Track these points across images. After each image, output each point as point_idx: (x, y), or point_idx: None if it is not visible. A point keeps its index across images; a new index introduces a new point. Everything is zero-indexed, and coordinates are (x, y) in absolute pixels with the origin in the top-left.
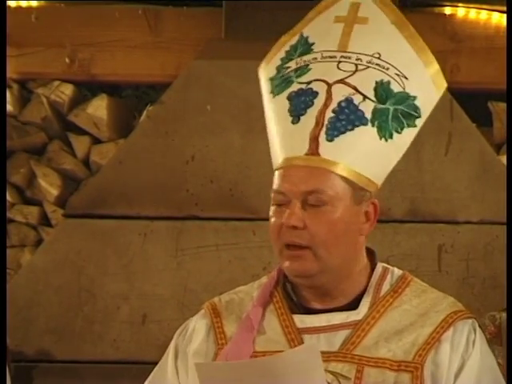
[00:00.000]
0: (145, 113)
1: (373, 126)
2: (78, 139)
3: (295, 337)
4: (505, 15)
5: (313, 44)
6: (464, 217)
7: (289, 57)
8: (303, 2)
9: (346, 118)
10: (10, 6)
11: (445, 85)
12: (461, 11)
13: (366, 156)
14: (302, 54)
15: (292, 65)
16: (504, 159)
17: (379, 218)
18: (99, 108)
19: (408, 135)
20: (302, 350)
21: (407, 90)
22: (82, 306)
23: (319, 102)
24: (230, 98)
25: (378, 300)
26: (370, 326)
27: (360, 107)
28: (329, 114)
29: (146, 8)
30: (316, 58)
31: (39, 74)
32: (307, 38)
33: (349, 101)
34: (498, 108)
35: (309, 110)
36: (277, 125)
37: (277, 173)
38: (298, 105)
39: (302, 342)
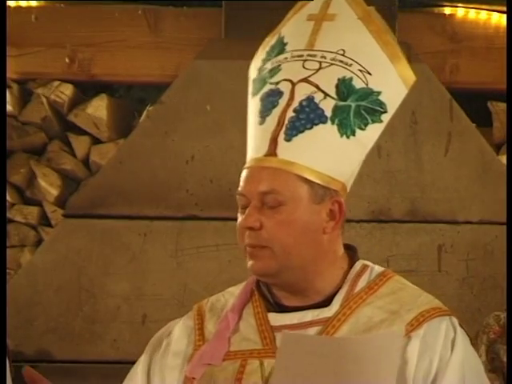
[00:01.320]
0: (145, 113)
1: (333, 123)
2: (77, 139)
3: (268, 335)
4: (504, 15)
5: (286, 44)
6: (464, 217)
7: (268, 57)
8: None
9: (306, 117)
10: (9, 6)
11: (413, 78)
12: (460, 11)
13: (326, 154)
14: (277, 55)
15: (268, 65)
16: (504, 159)
17: (379, 218)
18: (99, 108)
19: (373, 131)
20: (387, 335)
21: (370, 86)
22: (81, 306)
23: (283, 101)
24: (230, 98)
25: (351, 297)
26: (340, 322)
27: (320, 105)
28: (290, 114)
29: (146, 8)
30: (286, 58)
31: (39, 74)
32: (283, 38)
33: (310, 99)
34: (498, 108)
35: (274, 111)
36: (249, 126)
37: (242, 176)
38: (266, 105)
39: (274, 340)
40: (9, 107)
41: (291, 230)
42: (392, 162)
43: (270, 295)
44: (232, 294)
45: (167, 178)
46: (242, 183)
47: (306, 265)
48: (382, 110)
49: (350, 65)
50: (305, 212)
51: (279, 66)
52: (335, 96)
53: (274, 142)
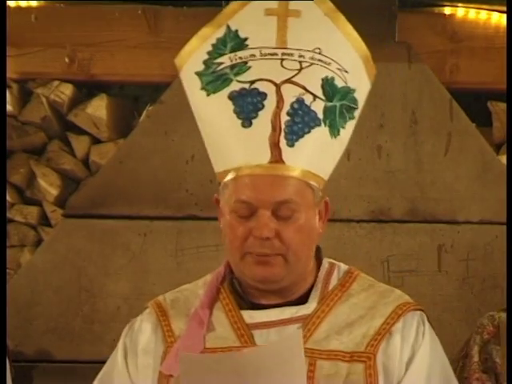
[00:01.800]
0: (145, 113)
1: (325, 125)
2: (77, 139)
3: (245, 332)
4: (504, 15)
5: (246, 39)
6: (464, 217)
7: (218, 51)
8: None
9: (302, 121)
10: (9, 6)
11: (374, 72)
12: (460, 11)
13: (321, 156)
14: (234, 50)
15: (225, 61)
16: (504, 159)
17: (379, 217)
18: (99, 108)
19: (350, 128)
20: (285, 340)
21: (349, 84)
22: (81, 306)
23: (270, 104)
24: None
25: (327, 294)
26: (319, 319)
27: (312, 107)
28: (284, 118)
29: (146, 8)
30: (254, 55)
31: (39, 73)
32: (237, 31)
33: (300, 101)
34: (498, 108)
35: (261, 113)
36: (220, 126)
37: (237, 181)
38: (245, 106)
39: (253, 338)
40: (9, 107)
41: (303, 237)
42: (392, 162)
43: (243, 293)
44: (192, 292)
45: (167, 177)
46: (244, 190)
47: (304, 268)
48: (355, 106)
49: (329, 64)
50: (311, 217)
51: (246, 63)
52: (323, 97)
53: (276, 147)
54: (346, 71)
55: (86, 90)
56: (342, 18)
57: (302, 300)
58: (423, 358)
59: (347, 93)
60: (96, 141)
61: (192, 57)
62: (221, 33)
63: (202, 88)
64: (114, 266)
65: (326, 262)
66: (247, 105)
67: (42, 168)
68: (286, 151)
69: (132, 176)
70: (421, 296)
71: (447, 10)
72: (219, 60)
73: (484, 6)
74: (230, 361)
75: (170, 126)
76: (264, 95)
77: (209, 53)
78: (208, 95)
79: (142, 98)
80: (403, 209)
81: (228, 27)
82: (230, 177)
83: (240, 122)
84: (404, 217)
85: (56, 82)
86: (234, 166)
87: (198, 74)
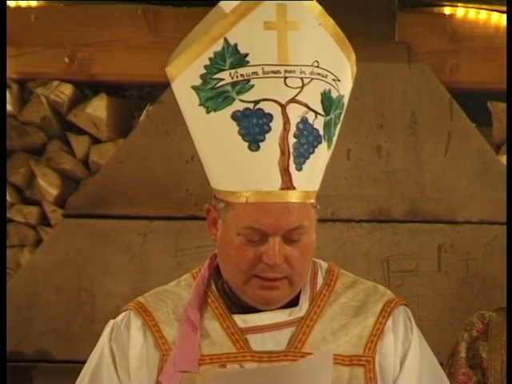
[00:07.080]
0: (144, 113)
1: (325, 140)
2: (77, 139)
3: (239, 337)
4: (504, 15)
5: (247, 55)
6: (464, 217)
7: (216, 66)
8: None
9: (307, 141)
10: (9, 6)
11: (355, 70)
12: (460, 11)
13: (320, 172)
14: (235, 66)
15: (225, 77)
16: (504, 159)
17: (379, 218)
18: (99, 108)
19: (337, 132)
20: (317, 356)
21: (340, 92)
22: (81, 306)
23: (277, 126)
24: None
25: (316, 295)
26: (313, 321)
27: (315, 126)
28: (292, 140)
29: (146, 8)
30: (257, 73)
31: (38, 73)
32: (236, 45)
33: (304, 121)
34: (498, 108)
35: (268, 136)
36: (223, 146)
37: (248, 206)
38: (251, 128)
39: (247, 343)
40: (8, 107)
41: (307, 256)
42: (392, 162)
43: (233, 296)
44: (174, 294)
45: (167, 177)
46: (259, 219)
47: (304, 281)
48: (342, 110)
49: (326, 76)
50: (313, 234)
51: (248, 81)
52: (322, 112)
53: (286, 173)
54: (339, 80)
55: (86, 89)
56: (330, 22)
57: (292, 302)
58: (415, 353)
59: (339, 101)
60: (96, 141)
61: (187, 69)
62: (218, 46)
63: (201, 104)
64: (113, 266)
65: None
66: (253, 126)
67: (42, 168)
68: (296, 176)
69: (132, 176)
70: (421, 296)
71: (447, 10)
72: (218, 76)
73: (484, 6)
74: (264, 375)
75: (169, 126)
76: (270, 116)
77: (206, 67)
78: (208, 112)
79: (142, 98)
80: (403, 209)
81: (226, 41)
82: (236, 199)
83: (246, 144)
84: (404, 217)
85: (56, 82)
86: (241, 190)
87: (195, 88)
